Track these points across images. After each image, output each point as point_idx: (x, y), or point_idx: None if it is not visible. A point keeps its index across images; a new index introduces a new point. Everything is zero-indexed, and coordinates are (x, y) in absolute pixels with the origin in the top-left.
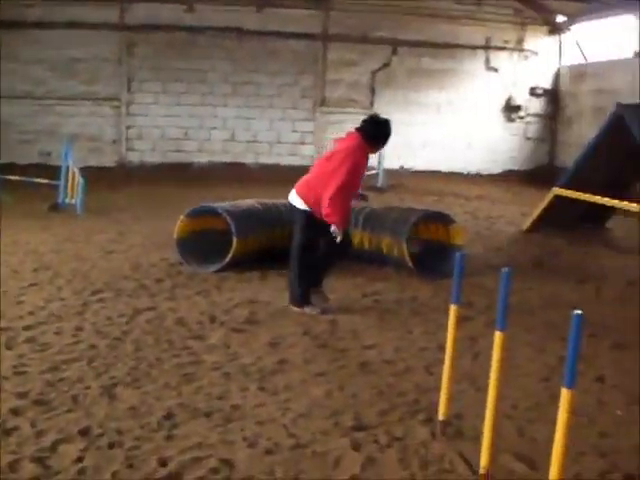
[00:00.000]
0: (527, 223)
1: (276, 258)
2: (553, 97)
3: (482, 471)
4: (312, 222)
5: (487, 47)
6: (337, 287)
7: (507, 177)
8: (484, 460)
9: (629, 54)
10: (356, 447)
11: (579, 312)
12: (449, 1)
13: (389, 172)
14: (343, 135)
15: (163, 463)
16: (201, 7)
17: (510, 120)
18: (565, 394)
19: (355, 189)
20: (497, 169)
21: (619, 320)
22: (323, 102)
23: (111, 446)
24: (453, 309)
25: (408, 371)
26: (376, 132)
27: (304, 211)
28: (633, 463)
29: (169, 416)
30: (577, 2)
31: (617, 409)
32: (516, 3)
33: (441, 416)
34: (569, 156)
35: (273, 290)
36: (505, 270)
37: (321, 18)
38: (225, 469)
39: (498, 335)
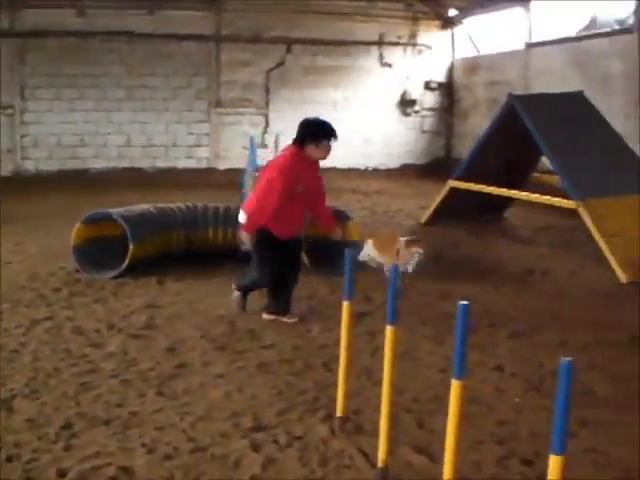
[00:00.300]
0: (425, 216)
1: (174, 262)
2: (448, 90)
3: (380, 464)
4: (265, 238)
5: (381, 43)
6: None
7: (404, 171)
8: (382, 454)
9: (520, 45)
10: (256, 448)
11: (465, 302)
12: None
13: None
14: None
15: (62, 474)
16: (92, 12)
17: (406, 114)
18: (455, 385)
19: (297, 196)
20: (394, 164)
21: (517, 309)
22: (218, 103)
23: (9, 459)
24: (346, 305)
25: (307, 369)
26: (301, 134)
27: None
28: (530, 449)
29: (68, 426)
30: None
31: (515, 397)
32: None
33: (339, 412)
34: (465, 148)
35: (171, 294)
36: (393, 264)
37: (213, 19)
38: (124, 476)
39: (389, 329)
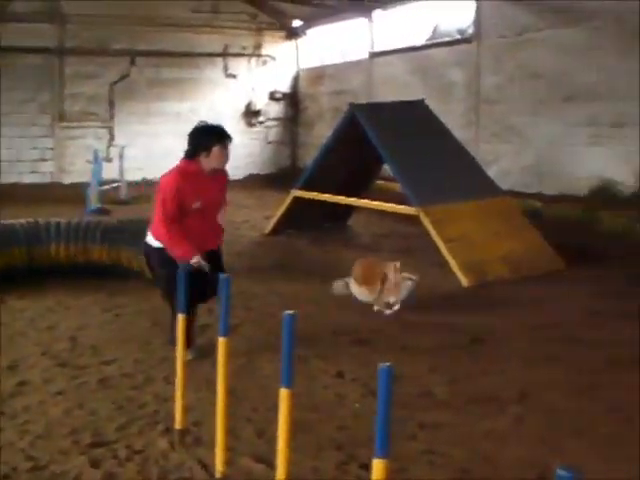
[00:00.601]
0: (269, 226)
1: (15, 280)
2: (292, 100)
3: (218, 475)
4: (168, 257)
5: (225, 54)
6: (76, 304)
7: (250, 182)
8: (219, 465)
9: (364, 55)
10: (95, 464)
11: (291, 312)
12: (186, 10)
13: (132, 184)
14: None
15: None
16: None
17: (250, 125)
18: (284, 394)
19: (195, 212)
20: (240, 174)
21: (359, 316)
22: (62, 117)
23: None
24: (180, 318)
25: (148, 383)
26: (189, 145)
27: (156, 248)
28: (368, 453)
29: None
30: (311, 7)
31: (355, 402)
32: (252, 9)
33: (178, 425)
34: (311, 157)
35: (13, 312)
36: (224, 277)
37: (57, 31)
38: None
39: (222, 341)
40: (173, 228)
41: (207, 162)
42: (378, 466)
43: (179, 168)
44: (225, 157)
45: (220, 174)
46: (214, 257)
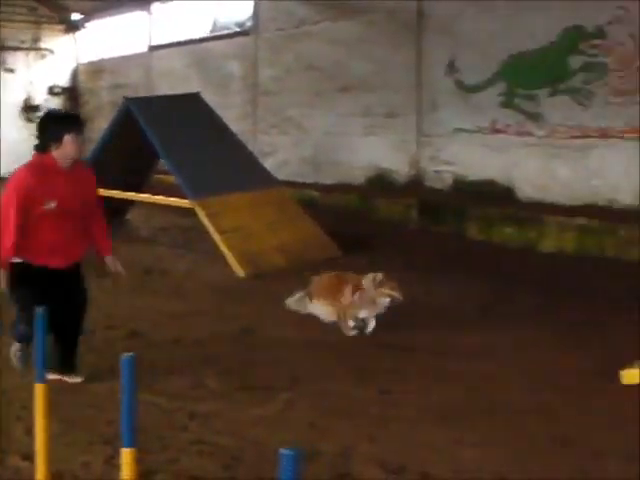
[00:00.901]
0: None
1: None
2: (72, 95)
3: None
4: (20, 271)
5: (2, 48)
6: None
7: None
8: None
9: (143, 48)
10: None
11: (42, 308)
12: None
13: None
14: None
15: None
16: None
17: (29, 120)
18: (38, 389)
19: (50, 214)
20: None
21: (134, 310)
22: None
23: None
24: None
25: None
26: (38, 138)
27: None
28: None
29: None
30: (90, 0)
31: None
32: (30, 2)
33: None
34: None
35: None
36: None
37: None
38: None
39: None
40: (16, 227)
41: (61, 153)
42: (126, 456)
43: (30, 163)
44: (79, 145)
45: (84, 172)
46: (72, 276)
